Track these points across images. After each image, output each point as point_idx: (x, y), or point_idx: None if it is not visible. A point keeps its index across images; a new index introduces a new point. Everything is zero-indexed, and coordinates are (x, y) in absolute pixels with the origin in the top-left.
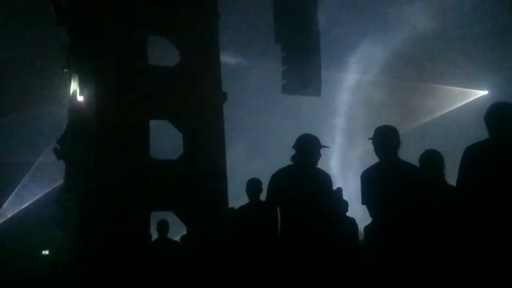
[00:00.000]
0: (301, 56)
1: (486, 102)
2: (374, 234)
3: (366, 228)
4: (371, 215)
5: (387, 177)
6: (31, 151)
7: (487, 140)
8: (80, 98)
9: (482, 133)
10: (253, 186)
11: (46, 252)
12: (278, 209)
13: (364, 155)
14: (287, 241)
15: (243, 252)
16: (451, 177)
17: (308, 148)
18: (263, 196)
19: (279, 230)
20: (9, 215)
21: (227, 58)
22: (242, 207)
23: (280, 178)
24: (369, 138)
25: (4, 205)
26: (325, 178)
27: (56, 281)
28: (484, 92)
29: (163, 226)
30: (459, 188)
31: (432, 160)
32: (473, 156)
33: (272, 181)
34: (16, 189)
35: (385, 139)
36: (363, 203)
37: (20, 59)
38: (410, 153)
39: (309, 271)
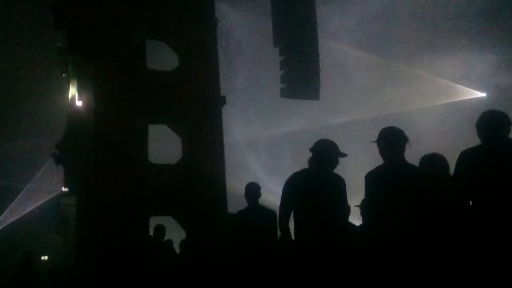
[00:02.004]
0: (300, 59)
1: (482, 104)
2: (373, 235)
3: (360, 228)
4: (372, 216)
5: (391, 179)
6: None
7: (480, 146)
8: (78, 103)
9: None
10: (252, 190)
11: (45, 257)
12: (292, 213)
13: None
14: (301, 245)
15: (242, 256)
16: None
17: (324, 153)
18: (261, 201)
19: (293, 234)
20: (9, 222)
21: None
22: (241, 211)
23: (295, 182)
24: (373, 142)
25: (4, 213)
26: (340, 183)
27: (55, 285)
28: (482, 94)
29: (159, 231)
30: (453, 191)
31: (433, 164)
32: (467, 161)
33: (287, 185)
34: (17, 198)
35: (390, 141)
36: (364, 204)
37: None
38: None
39: (322, 275)
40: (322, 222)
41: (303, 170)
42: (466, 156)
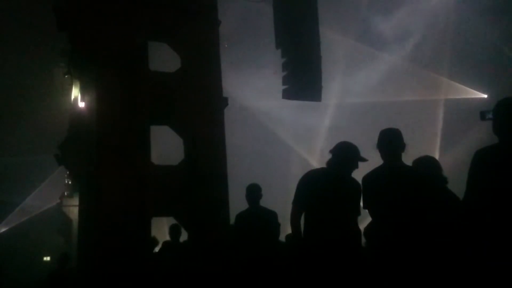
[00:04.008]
0: (302, 61)
1: (481, 105)
2: (375, 238)
3: (366, 230)
4: (372, 219)
5: (388, 181)
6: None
7: (497, 144)
8: (81, 104)
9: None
10: (253, 191)
11: (47, 258)
12: (302, 210)
13: None
14: (310, 244)
15: (244, 257)
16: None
17: (343, 156)
18: (262, 202)
19: (302, 231)
20: (12, 225)
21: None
22: (242, 213)
23: (311, 179)
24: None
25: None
26: (355, 187)
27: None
28: (483, 95)
29: (174, 231)
30: (468, 195)
31: (427, 166)
32: (483, 162)
33: (302, 182)
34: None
35: (388, 143)
36: (364, 207)
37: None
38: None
39: (328, 274)
40: (333, 223)
41: (321, 169)
42: (483, 155)
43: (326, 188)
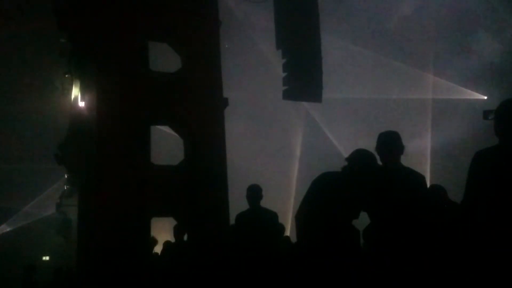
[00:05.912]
0: (302, 62)
1: (481, 106)
2: (374, 240)
3: (365, 232)
4: (371, 221)
5: (387, 183)
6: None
7: (498, 145)
8: (81, 104)
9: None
10: (253, 192)
11: (46, 258)
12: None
13: None
14: (309, 245)
15: (244, 257)
16: None
17: (360, 164)
18: (263, 203)
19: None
20: (13, 228)
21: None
22: (242, 213)
23: (324, 182)
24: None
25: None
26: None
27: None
28: (482, 97)
29: (179, 230)
30: (468, 196)
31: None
32: (483, 163)
33: (315, 184)
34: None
35: (387, 145)
36: (363, 209)
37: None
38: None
39: (328, 273)
40: (333, 225)
41: (335, 173)
42: (483, 157)
43: (336, 193)
